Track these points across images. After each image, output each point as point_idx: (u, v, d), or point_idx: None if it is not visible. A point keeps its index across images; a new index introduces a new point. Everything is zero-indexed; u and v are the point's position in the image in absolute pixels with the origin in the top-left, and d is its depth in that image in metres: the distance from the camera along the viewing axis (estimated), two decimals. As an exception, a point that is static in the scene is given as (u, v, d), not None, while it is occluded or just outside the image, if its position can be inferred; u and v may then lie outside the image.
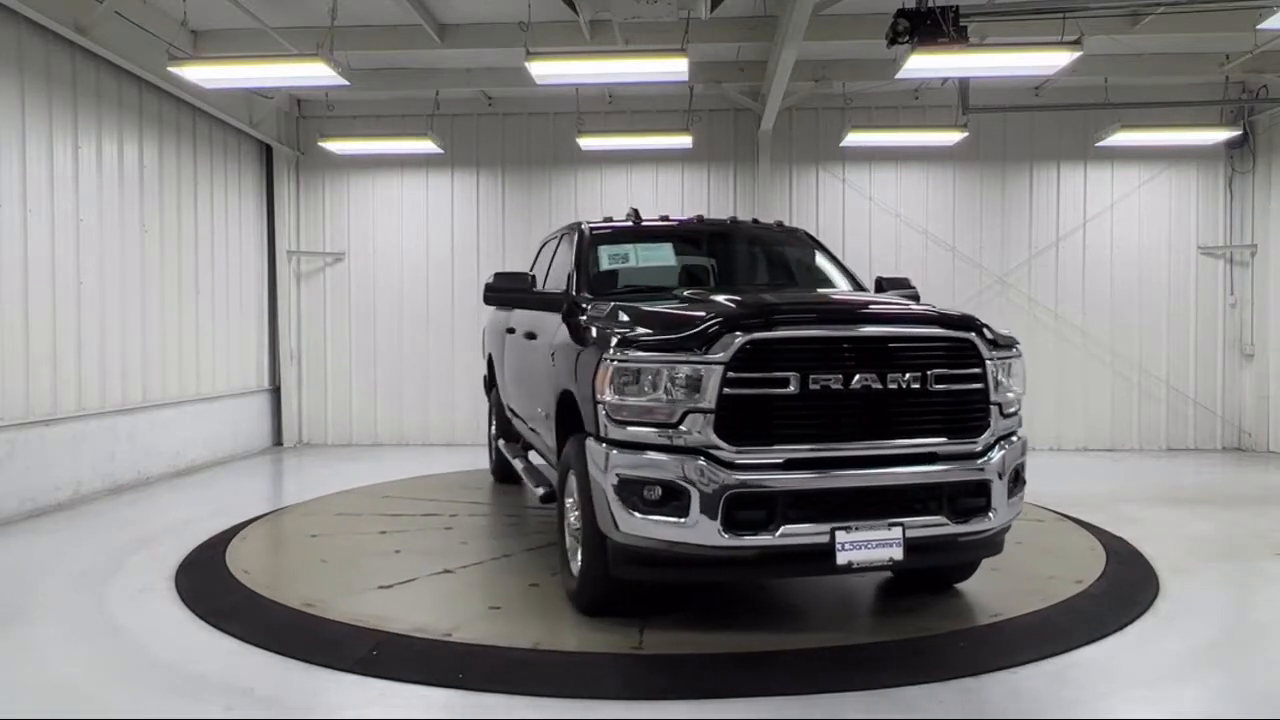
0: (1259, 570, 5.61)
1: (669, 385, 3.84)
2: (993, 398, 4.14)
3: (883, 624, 4.59)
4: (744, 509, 3.79)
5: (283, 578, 5.21)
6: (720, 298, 4.65)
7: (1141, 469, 9.49)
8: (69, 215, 7.61)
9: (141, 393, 8.60)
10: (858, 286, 5.80)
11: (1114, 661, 4.05)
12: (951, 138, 9.95)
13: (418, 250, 11.24)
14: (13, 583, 5.31)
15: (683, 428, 3.83)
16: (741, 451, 3.82)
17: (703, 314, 4.09)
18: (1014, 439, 4.33)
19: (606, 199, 10.98)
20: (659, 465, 3.85)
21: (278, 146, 10.93)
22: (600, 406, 4.03)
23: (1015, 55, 7.40)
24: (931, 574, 4.84)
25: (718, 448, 3.81)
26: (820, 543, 3.83)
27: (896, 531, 3.90)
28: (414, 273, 11.22)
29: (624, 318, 4.45)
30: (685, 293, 5.18)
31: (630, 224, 6.05)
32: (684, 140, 10.06)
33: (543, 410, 5.36)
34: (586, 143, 10.17)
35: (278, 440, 11.28)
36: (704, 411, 3.80)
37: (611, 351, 4.00)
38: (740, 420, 3.82)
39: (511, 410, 7.08)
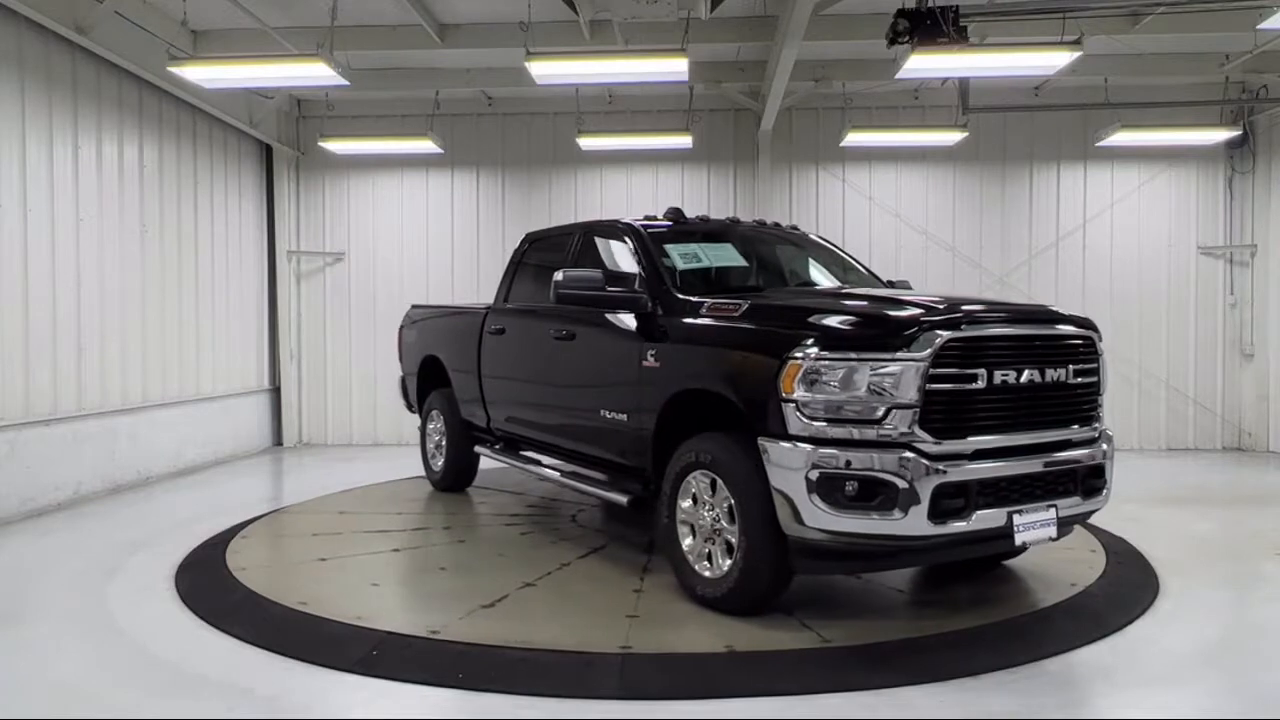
0: (1259, 570, 5.62)
1: (873, 382, 3.95)
2: (1102, 389, 4.65)
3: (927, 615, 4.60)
4: (948, 498, 3.97)
5: (365, 604, 4.70)
6: (829, 294, 5.10)
7: (1141, 469, 9.49)
8: (69, 215, 7.61)
9: (141, 393, 8.60)
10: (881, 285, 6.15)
11: (1114, 661, 4.05)
12: (951, 138, 9.96)
13: (418, 250, 11.24)
14: (13, 583, 5.31)
15: (887, 423, 3.95)
16: (941, 444, 3.99)
17: (888, 312, 4.25)
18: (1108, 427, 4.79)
19: (606, 199, 10.98)
20: (870, 460, 3.92)
21: (278, 146, 10.93)
22: (788, 404, 4.05)
23: (1015, 55, 7.39)
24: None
25: (923, 441, 3.96)
26: (1000, 525, 4.11)
27: (1052, 512, 4.28)
28: (414, 272, 11.22)
29: (781, 315, 4.47)
30: (772, 290, 5.34)
31: (675, 224, 5.96)
32: (684, 140, 10.06)
33: (616, 413, 5.24)
34: (586, 143, 10.17)
35: (278, 440, 11.28)
36: (908, 407, 3.94)
37: (808, 350, 4.04)
38: (938, 415, 4.01)
39: (497, 416, 6.84)
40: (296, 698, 3.68)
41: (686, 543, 4.68)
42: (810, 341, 4.06)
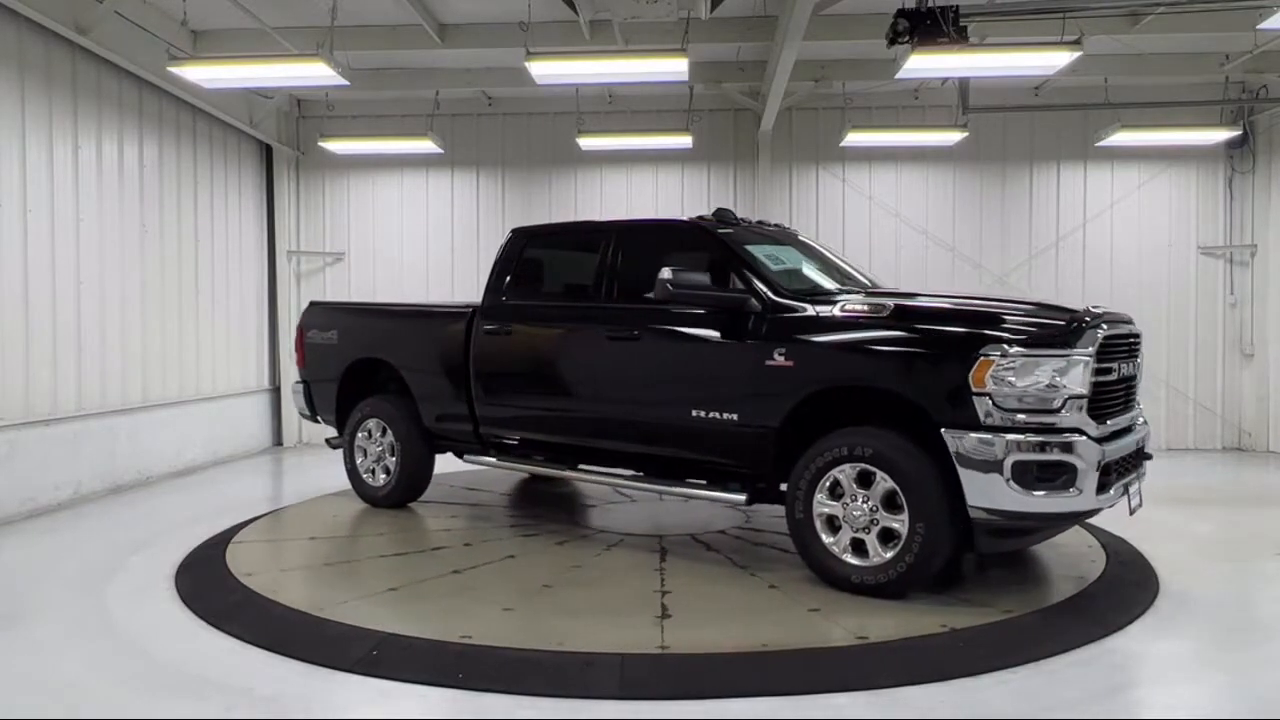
0: (1259, 570, 5.62)
1: (1054, 376, 4.41)
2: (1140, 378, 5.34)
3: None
4: (1104, 475, 4.49)
5: (548, 631, 4.33)
6: (903, 292, 5.53)
7: (1141, 469, 9.46)
8: (69, 215, 7.61)
9: (141, 393, 8.60)
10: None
11: (1115, 661, 4.05)
12: (951, 138, 9.95)
13: (418, 250, 11.24)
14: (13, 583, 5.31)
15: (1064, 412, 4.41)
16: (1099, 428, 4.53)
17: (1056, 314, 4.76)
18: None
19: (606, 199, 10.99)
20: (1061, 446, 4.38)
21: (278, 146, 10.93)
22: (980, 398, 4.43)
23: (1015, 55, 7.38)
24: None
25: (1090, 426, 4.47)
26: (1121, 495, 4.71)
27: (1139, 482, 4.99)
28: (414, 273, 11.22)
29: (951, 317, 4.83)
30: (853, 289, 5.67)
31: (737, 226, 5.99)
32: (684, 140, 10.06)
33: (719, 412, 5.19)
34: (586, 143, 10.17)
35: (278, 440, 11.28)
36: (1080, 397, 4.44)
37: (1001, 348, 4.43)
38: (1095, 403, 4.56)
39: (495, 420, 6.47)
40: (296, 698, 3.68)
41: (827, 536, 4.86)
42: (1002, 340, 4.46)
